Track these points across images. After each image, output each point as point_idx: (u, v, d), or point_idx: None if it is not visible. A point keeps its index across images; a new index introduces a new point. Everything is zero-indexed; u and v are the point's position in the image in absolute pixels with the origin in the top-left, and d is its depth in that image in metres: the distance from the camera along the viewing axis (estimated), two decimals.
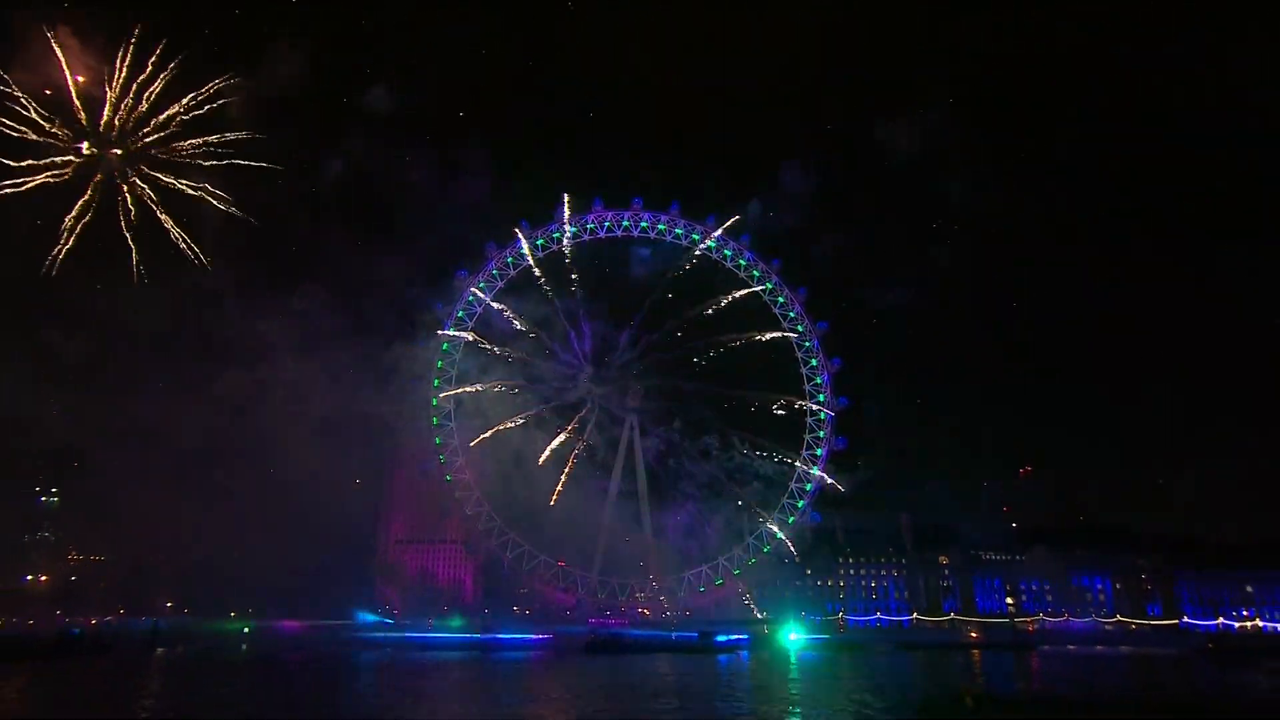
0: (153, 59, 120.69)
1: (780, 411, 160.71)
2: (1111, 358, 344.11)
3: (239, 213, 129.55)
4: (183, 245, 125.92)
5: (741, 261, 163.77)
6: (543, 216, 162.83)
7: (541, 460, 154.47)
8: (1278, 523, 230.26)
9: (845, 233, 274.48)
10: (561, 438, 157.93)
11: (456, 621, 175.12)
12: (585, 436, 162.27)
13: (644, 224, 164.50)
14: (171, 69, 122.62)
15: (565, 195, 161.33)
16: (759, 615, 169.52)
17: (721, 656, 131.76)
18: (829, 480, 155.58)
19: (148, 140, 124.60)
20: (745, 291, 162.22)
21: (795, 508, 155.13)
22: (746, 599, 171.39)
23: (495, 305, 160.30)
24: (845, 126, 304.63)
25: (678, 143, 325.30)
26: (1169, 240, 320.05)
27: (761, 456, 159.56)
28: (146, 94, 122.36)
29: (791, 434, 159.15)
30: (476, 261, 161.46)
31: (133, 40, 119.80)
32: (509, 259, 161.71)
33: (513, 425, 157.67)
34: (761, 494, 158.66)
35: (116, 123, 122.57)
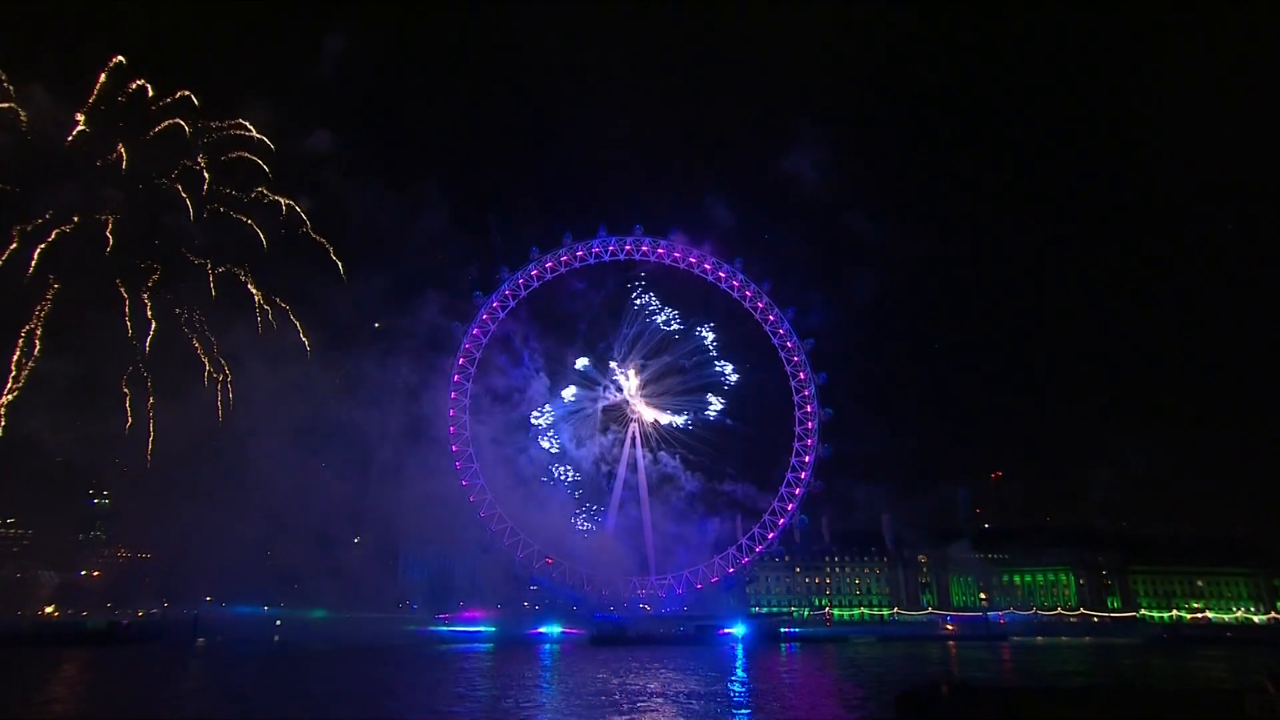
0: (121, 116, 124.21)
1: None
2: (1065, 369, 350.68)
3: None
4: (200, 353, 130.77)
5: (735, 283, 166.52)
6: (552, 242, 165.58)
7: None
8: (1224, 522, 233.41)
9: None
10: None
11: None
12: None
13: (644, 248, 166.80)
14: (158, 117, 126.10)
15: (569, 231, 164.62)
16: (754, 609, 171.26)
17: (718, 648, 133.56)
18: (817, 484, 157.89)
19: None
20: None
21: (785, 511, 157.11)
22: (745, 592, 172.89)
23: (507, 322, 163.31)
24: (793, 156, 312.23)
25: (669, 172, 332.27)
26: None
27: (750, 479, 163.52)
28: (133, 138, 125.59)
29: (781, 443, 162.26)
30: (492, 283, 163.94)
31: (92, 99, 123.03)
32: (520, 280, 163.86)
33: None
34: (754, 497, 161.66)
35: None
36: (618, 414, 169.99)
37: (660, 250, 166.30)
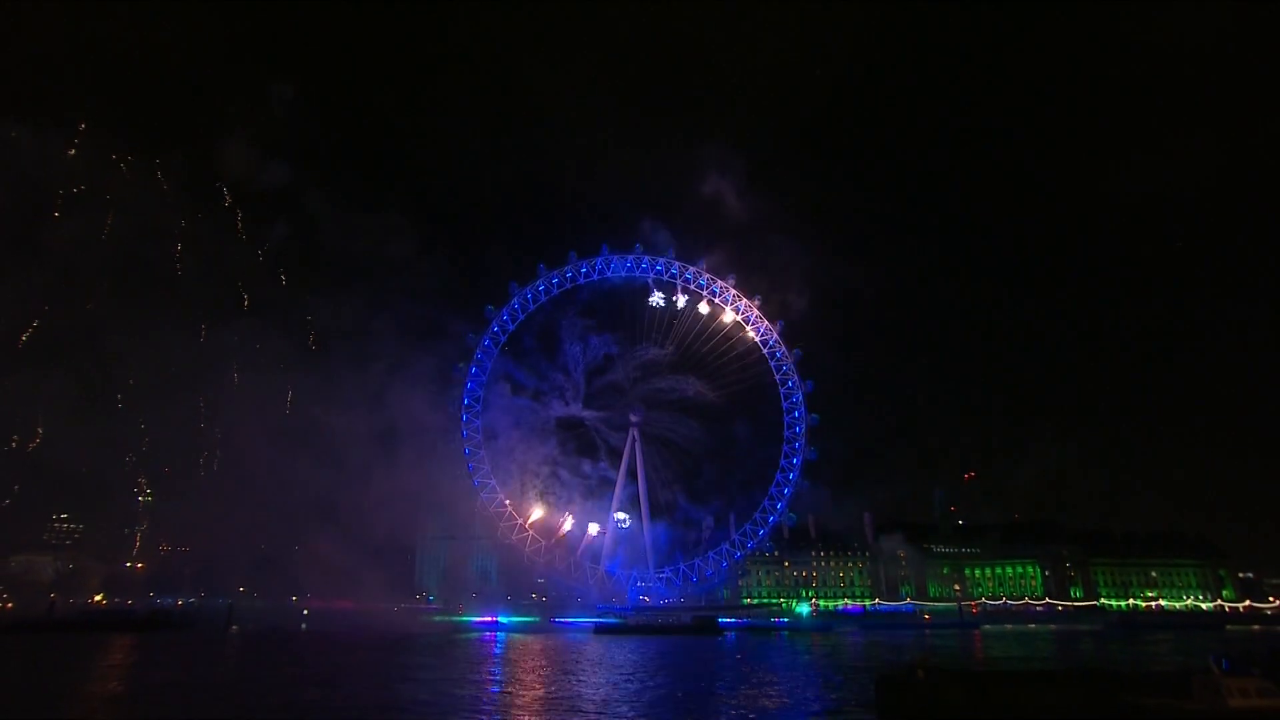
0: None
1: None
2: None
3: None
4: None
5: (728, 296, 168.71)
6: (557, 259, 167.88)
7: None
8: (1176, 519, 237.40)
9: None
10: None
11: None
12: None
13: (644, 264, 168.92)
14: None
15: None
16: (745, 601, 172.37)
17: (714, 637, 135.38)
18: (804, 485, 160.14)
19: None
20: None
21: (774, 509, 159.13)
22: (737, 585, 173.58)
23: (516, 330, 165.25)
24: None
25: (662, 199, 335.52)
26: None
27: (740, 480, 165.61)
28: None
29: (769, 448, 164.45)
30: (503, 297, 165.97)
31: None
32: (529, 294, 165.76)
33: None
34: (745, 499, 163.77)
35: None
36: (569, 421, 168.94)
37: (659, 266, 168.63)
